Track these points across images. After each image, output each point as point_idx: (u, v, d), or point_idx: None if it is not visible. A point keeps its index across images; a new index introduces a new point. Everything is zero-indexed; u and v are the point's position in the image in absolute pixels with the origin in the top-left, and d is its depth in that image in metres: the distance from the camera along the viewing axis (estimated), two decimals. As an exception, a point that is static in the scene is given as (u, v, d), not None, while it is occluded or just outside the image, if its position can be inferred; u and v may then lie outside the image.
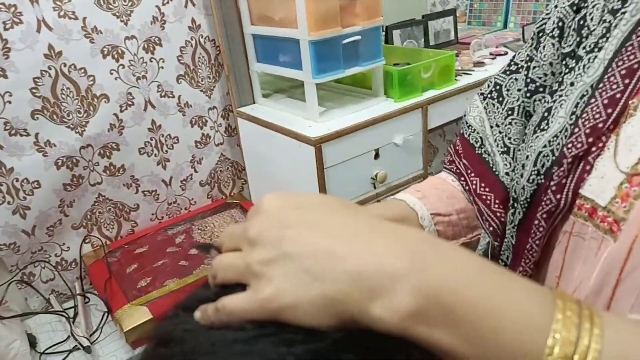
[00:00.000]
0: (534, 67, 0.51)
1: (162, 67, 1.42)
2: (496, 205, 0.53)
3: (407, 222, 0.52)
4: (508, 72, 0.55)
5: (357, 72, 1.36)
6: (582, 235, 0.40)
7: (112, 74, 1.34)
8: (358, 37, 1.31)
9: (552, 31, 0.49)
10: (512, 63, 0.55)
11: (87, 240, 1.44)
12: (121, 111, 1.38)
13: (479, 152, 0.56)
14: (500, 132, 0.54)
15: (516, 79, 0.54)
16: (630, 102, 0.39)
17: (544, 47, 0.50)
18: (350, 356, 0.26)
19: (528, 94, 0.51)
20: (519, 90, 0.52)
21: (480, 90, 0.59)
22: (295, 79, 1.52)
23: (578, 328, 0.26)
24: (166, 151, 1.50)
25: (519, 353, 0.26)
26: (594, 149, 0.40)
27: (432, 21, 1.93)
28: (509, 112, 0.53)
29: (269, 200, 0.33)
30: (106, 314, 1.30)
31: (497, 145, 0.54)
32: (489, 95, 0.57)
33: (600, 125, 0.39)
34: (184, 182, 1.56)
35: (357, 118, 1.33)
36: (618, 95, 0.39)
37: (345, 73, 1.34)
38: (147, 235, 1.51)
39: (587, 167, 0.40)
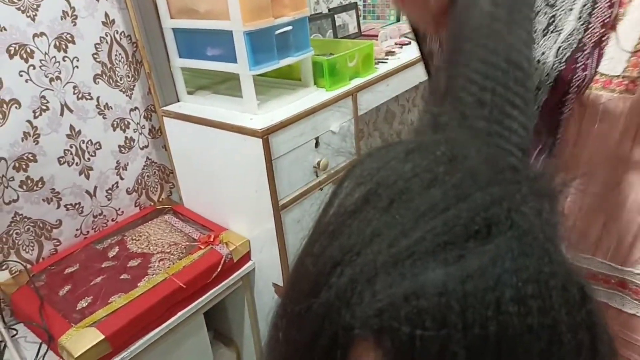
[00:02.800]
0: None
1: (77, 67, 1.29)
2: None
3: None
4: None
5: (290, 62, 1.37)
6: (596, 103, 0.57)
7: (21, 75, 1.18)
8: (289, 28, 1.32)
9: None
10: None
11: (3, 267, 1.26)
12: (35, 117, 1.23)
13: None
14: None
15: None
16: (619, 10, 0.56)
17: None
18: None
19: None
20: None
21: None
22: (218, 73, 1.49)
23: None
24: (88, 159, 1.36)
25: None
26: (604, 38, 0.56)
27: (337, 15, 2.00)
28: None
29: None
30: (43, 345, 1.15)
31: None
32: None
33: (607, 20, 0.56)
34: (109, 192, 1.44)
35: (295, 108, 1.34)
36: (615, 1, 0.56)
37: (279, 64, 1.34)
38: (73, 253, 1.36)
39: (601, 52, 0.57)
